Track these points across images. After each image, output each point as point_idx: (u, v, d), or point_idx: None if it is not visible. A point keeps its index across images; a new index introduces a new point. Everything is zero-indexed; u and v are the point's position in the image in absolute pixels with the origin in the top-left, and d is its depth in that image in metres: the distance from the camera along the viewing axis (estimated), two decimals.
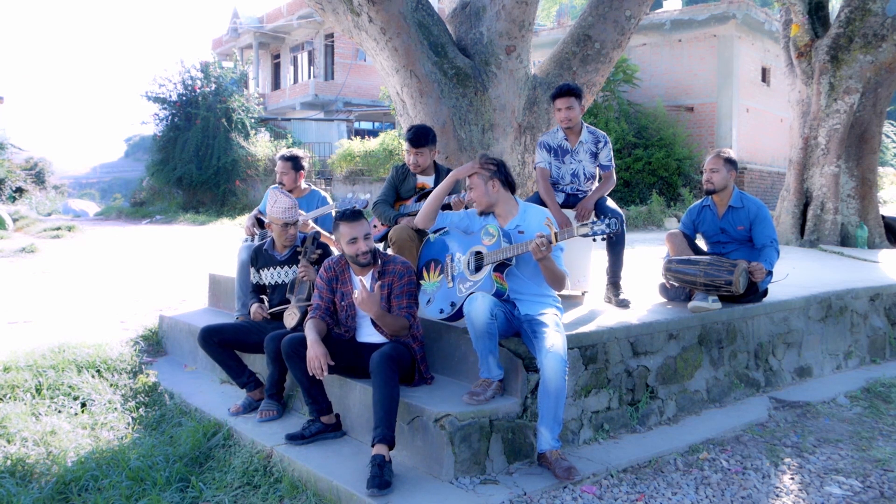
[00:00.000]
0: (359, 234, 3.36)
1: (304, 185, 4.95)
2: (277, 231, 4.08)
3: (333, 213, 4.74)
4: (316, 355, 3.19)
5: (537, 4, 5.63)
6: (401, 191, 4.45)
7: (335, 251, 4.14)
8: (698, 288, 4.13)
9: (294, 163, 4.85)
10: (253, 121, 23.05)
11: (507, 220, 3.47)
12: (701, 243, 4.64)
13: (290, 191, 4.80)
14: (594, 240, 3.23)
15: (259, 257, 4.19)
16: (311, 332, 3.32)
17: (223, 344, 3.96)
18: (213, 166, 21.41)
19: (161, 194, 23.78)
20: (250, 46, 31.23)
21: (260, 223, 4.89)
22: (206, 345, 3.94)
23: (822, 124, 9.01)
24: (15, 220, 16.50)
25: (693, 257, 4.29)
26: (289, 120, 26.46)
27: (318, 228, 4.44)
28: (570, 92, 4.37)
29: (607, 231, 3.09)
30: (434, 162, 4.47)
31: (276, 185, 4.87)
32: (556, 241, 3.12)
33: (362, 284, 3.29)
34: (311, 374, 3.23)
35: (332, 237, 3.80)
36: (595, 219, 3.57)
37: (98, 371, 4.56)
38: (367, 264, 3.42)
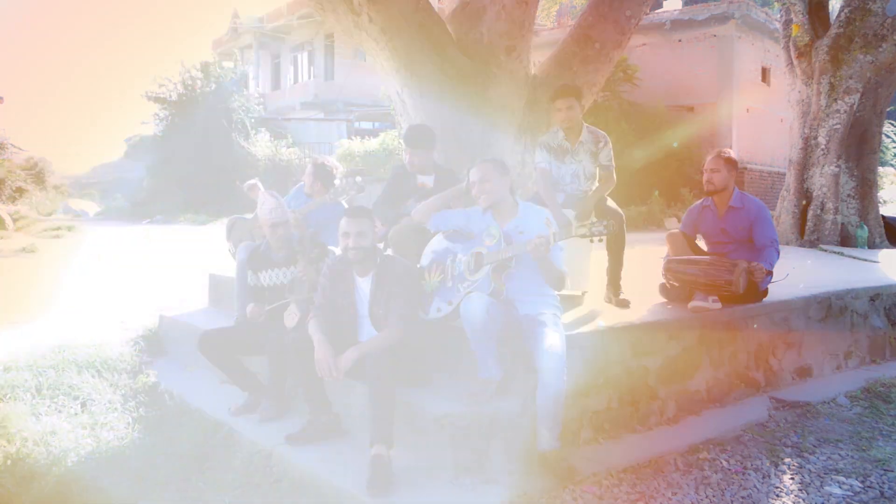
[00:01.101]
0: (350, 231, 3.37)
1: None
2: (268, 232, 4.07)
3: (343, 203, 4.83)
4: (325, 356, 3.18)
5: (537, 4, 5.62)
6: (401, 191, 4.45)
7: (335, 250, 4.14)
8: (698, 288, 4.12)
9: (314, 168, 4.98)
10: (253, 121, 23.07)
11: (507, 221, 3.46)
12: (701, 243, 4.64)
13: (310, 195, 4.96)
14: (591, 240, 3.23)
15: (256, 259, 4.17)
16: (317, 333, 3.31)
17: (223, 348, 3.94)
18: (213, 166, 21.42)
19: (161, 194, 23.77)
20: (250, 46, 31.20)
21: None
22: (205, 350, 3.91)
23: (822, 124, 9.00)
24: (15, 220, 16.49)
25: (693, 257, 4.29)
26: (289, 120, 26.46)
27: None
28: (569, 92, 4.37)
29: (605, 232, 3.09)
30: (434, 162, 4.47)
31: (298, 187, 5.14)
32: (554, 241, 3.13)
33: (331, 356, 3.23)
34: (318, 375, 3.22)
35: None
36: (594, 219, 3.57)
37: (98, 371, 4.56)
38: (354, 262, 3.44)
